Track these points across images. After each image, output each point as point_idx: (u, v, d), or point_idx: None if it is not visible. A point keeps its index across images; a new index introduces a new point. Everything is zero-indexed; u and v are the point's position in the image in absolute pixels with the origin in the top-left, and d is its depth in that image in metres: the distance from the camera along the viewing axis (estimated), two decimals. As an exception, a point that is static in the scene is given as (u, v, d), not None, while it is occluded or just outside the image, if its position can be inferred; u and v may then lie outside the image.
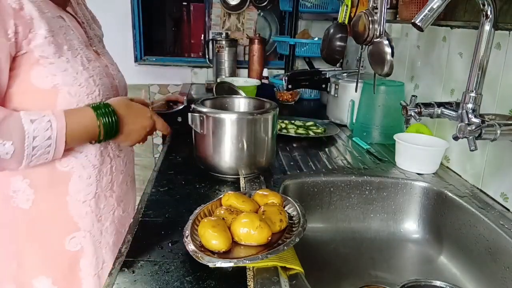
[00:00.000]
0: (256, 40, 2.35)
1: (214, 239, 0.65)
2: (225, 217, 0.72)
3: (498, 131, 0.80)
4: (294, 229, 0.72)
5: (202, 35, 2.77)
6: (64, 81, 0.81)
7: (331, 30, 1.70)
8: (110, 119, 0.82)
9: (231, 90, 1.67)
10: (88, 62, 0.87)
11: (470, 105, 0.84)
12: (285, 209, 0.78)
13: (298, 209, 0.77)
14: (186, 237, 0.69)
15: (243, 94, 1.65)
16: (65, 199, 0.88)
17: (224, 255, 0.65)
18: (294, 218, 0.76)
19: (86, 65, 0.86)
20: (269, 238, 0.68)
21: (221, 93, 1.61)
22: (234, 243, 0.68)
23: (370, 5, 1.18)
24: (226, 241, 0.66)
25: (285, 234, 0.71)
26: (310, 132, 1.43)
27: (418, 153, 1.12)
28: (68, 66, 0.82)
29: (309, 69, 2.23)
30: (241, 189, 0.99)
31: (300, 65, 2.46)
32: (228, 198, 0.78)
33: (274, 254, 0.65)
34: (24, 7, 0.76)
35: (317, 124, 1.54)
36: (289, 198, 0.82)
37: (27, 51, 0.77)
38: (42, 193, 0.86)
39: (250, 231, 0.67)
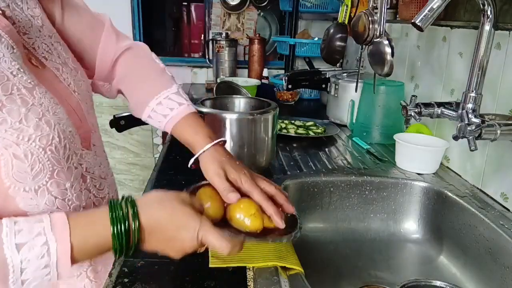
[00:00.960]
0: (256, 40, 2.35)
1: (207, 202, 0.63)
2: None
3: (498, 131, 0.80)
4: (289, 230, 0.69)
5: (202, 35, 2.77)
6: (4, 141, 0.53)
7: (331, 30, 1.70)
8: (122, 227, 0.53)
9: (232, 90, 1.67)
10: (29, 94, 0.57)
11: (470, 105, 0.84)
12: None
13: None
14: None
15: (246, 92, 1.65)
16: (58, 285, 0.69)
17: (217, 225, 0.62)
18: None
19: (28, 100, 0.56)
20: (258, 231, 0.64)
21: (221, 94, 1.60)
22: (225, 222, 0.64)
23: (370, 5, 1.18)
24: (218, 209, 0.63)
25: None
26: (310, 132, 1.43)
27: (418, 153, 1.12)
28: (4, 116, 0.53)
29: (309, 69, 2.23)
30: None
31: (300, 65, 2.46)
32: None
33: (258, 239, 0.62)
34: None
35: (317, 124, 1.54)
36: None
37: None
38: None
39: (242, 217, 0.63)
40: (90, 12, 0.81)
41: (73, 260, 0.52)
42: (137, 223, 0.54)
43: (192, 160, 0.75)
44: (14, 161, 0.54)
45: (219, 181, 0.68)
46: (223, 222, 0.63)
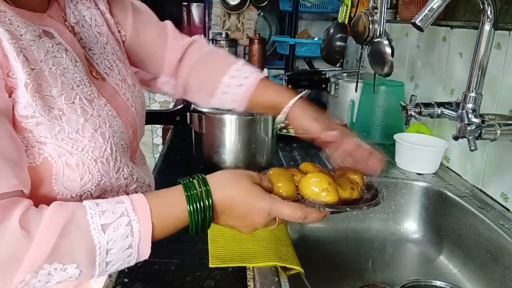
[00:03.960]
0: (256, 40, 2.35)
1: (279, 182, 0.63)
2: (295, 174, 0.68)
3: (498, 131, 0.80)
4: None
5: (202, 35, 2.77)
6: (59, 149, 0.55)
7: (331, 30, 1.70)
8: (197, 205, 0.55)
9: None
10: (89, 105, 0.59)
11: (470, 105, 0.84)
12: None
13: (375, 186, 0.72)
14: None
15: None
16: None
17: None
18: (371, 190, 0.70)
19: (88, 110, 0.58)
20: (335, 203, 0.63)
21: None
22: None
23: (370, 5, 1.18)
24: (290, 188, 0.63)
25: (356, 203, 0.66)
26: (310, 132, 1.43)
27: (418, 153, 1.12)
28: (62, 125, 0.55)
29: (309, 69, 2.23)
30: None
31: (300, 65, 2.46)
32: (306, 165, 0.73)
33: (335, 209, 0.62)
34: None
35: (317, 124, 1.53)
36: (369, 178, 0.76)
37: None
38: None
39: (318, 190, 0.63)
40: (156, 18, 0.86)
41: (153, 239, 0.53)
42: (210, 201, 0.55)
43: (282, 117, 0.78)
44: (65, 169, 0.55)
45: (315, 124, 0.76)
46: (296, 202, 0.62)
